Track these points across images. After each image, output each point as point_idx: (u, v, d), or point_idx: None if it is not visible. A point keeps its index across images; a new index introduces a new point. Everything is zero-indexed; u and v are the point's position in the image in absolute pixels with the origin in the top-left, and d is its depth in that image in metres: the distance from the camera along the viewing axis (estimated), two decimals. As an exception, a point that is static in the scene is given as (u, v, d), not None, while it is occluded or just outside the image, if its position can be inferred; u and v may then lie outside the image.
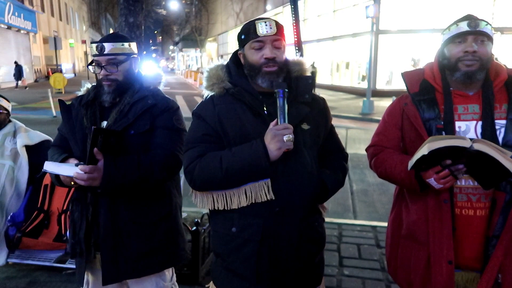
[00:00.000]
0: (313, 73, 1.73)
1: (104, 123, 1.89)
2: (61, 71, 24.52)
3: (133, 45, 1.96)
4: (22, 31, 25.94)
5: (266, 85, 1.56)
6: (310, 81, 1.65)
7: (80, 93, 2.01)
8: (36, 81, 27.65)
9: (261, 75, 1.56)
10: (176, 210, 2.05)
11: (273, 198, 1.49)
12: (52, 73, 21.50)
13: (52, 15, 33.39)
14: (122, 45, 1.89)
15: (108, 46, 1.85)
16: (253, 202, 1.51)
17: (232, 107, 1.57)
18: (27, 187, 3.04)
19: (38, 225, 3.04)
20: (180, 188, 2.18)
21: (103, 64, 1.86)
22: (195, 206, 1.65)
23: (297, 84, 1.63)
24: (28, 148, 3.02)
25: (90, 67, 1.93)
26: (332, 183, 1.63)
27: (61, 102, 1.97)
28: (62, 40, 27.32)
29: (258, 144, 1.46)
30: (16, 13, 24.13)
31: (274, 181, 1.50)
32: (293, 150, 1.49)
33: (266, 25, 1.53)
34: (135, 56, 1.97)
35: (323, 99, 1.76)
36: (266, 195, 1.49)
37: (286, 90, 1.49)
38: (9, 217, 2.93)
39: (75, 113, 1.92)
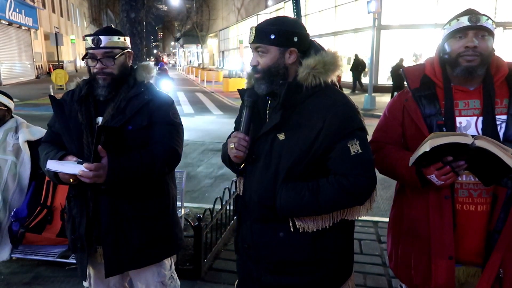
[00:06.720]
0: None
1: (100, 119, 1.87)
2: (62, 67, 24.49)
3: (128, 40, 1.96)
4: (23, 28, 25.88)
5: (259, 92, 1.56)
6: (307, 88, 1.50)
7: (70, 88, 1.98)
8: (37, 77, 27.66)
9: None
10: (174, 201, 2.09)
11: (240, 194, 1.69)
12: (54, 69, 21.47)
13: (53, 11, 33.31)
14: (118, 38, 1.88)
15: (104, 39, 1.83)
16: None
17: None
18: (30, 182, 3.06)
19: (42, 220, 3.06)
20: (175, 180, 2.20)
21: (98, 57, 1.83)
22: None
23: (289, 89, 1.48)
24: (30, 143, 3.03)
25: (86, 60, 1.88)
26: (285, 201, 1.46)
27: (52, 98, 1.93)
28: (64, 36, 27.22)
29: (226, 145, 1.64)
30: (17, 10, 24.06)
31: (245, 179, 1.64)
32: (257, 158, 1.55)
33: (250, 33, 1.55)
34: (130, 50, 1.97)
35: (336, 110, 1.46)
36: (239, 189, 1.70)
37: (253, 100, 1.54)
38: (12, 213, 2.95)
39: (68, 109, 1.90)
